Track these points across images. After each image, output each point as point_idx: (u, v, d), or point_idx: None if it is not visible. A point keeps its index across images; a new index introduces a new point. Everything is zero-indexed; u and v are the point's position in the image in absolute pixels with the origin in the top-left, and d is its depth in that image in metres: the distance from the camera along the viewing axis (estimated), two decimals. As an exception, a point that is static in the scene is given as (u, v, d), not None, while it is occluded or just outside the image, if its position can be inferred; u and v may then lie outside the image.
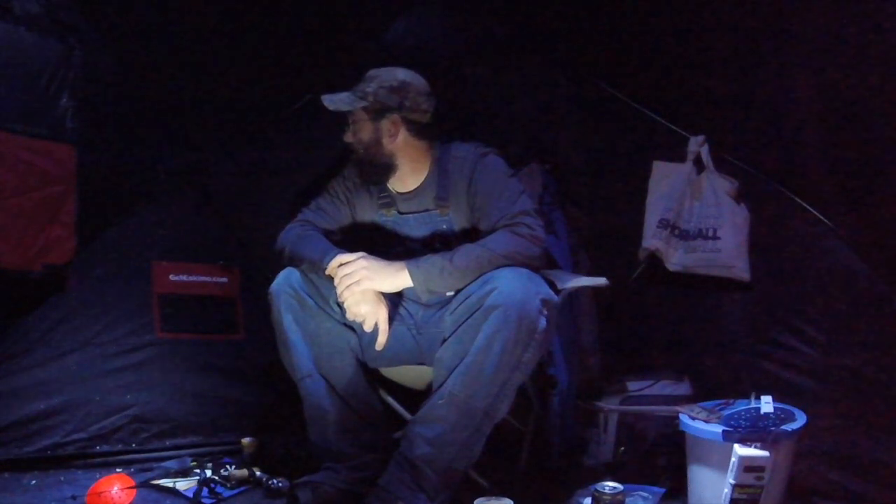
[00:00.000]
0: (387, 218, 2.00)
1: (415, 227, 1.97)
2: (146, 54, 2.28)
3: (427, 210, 1.95)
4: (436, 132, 1.98)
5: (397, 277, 1.76)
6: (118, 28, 2.24)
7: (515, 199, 1.84)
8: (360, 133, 1.93)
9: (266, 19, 2.36)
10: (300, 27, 2.42)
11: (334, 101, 1.92)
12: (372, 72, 1.95)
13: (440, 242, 1.94)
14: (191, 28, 2.32)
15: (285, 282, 1.86)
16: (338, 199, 2.04)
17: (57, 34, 2.05)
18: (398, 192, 1.99)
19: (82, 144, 2.11)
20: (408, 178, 1.97)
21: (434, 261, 1.75)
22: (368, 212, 2.03)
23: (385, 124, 1.91)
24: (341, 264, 1.77)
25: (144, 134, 2.31)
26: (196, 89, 2.37)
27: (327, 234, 1.98)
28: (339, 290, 1.76)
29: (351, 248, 1.82)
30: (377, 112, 1.90)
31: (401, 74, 1.93)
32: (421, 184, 1.96)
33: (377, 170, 1.94)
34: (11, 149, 1.97)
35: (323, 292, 1.86)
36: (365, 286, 1.75)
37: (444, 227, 1.94)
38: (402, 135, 1.92)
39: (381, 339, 1.79)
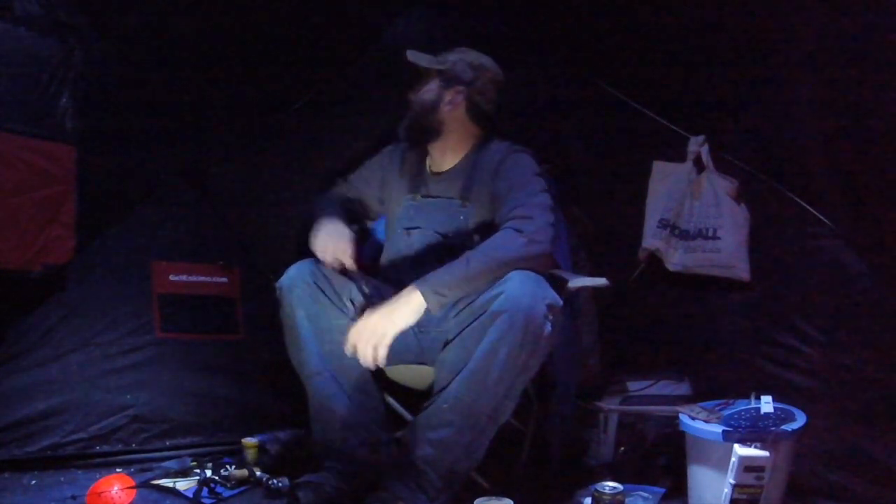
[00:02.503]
0: (412, 203, 2.01)
1: (433, 213, 1.98)
2: (146, 54, 2.28)
3: (450, 198, 1.97)
4: (489, 125, 2.03)
5: (415, 306, 1.69)
6: (118, 28, 2.24)
7: (535, 194, 1.85)
8: (425, 93, 1.99)
9: (266, 19, 2.36)
10: (300, 27, 2.42)
11: (417, 57, 2.00)
12: (462, 47, 2.05)
13: (454, 233, 1.95)
14: (191, 28, 2.32)
15: (298, 276, 1.85)
16: (370, 176, 2.10)
17: (57, 34, 2.05)
18: (432, 173, 2.03)
19: (82, 144, 2.11)
20: (447, 153, 2.01)
21: (442, 278, 1.70)
22: (396, 193, 2.06)
23: (450, 93, 1.98)
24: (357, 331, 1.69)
25: (144, 134, 2.31)
26: (196, 89, 2.37)
27: (351, 203, 2.08)
28: (367, 358, 1.67)
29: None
30: (448, 80, 1.98)
31: (485, 59, 2.02)
32: (454, 166, 2.00)
33: (423, 130, 1.99)
34: (11, 149, 1.97)
35: (336, 288, 1.87)
36: (391, 336, 1.67)
37: (461, 217, 1.95)
38: (460, 109, 1.98)
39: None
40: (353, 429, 1.87)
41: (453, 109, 1.97)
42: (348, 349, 1.69)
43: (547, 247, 1.76)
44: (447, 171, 2.00)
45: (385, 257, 2.08)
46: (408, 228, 2.00)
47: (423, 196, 2.00)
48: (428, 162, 2.03)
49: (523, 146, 2.00)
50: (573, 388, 2.23)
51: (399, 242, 2.02)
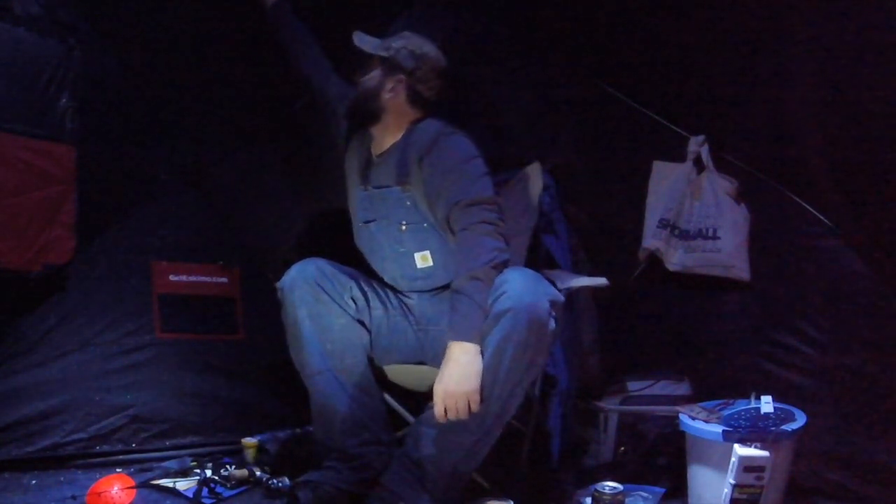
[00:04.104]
0: (364, 194, 2.01)
1: (382, 204, 1.97)
2: (146, 54, 2.28)
3: (389, 186, 1.95)
4: (430, 111, 2.01)
5: (473, 355, 1.64)
6: (118, 28, 2.24)
7: (473, 182, 1.81)
8: (368, 80, 1.99)
9: (266, 19, 2.36)
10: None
11: (362, 41, 2.00)
12: (406, 32, 2.03)
13: (407, 219, 1.94)
14: (191, 28, 2.32)
15: (299, 276, 1.86)
16: (340, 124, 2.13)
17: (57, 34, 2.05)
18: (375, 156, 2.02)
19: (82, 144, 2.11)
20: (385, 135, 2.00)
21: (468, 320, 1.66)
22: (350, 183, 2.07)
23: (391, 81, 1.97)
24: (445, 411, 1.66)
25: (144, 134, 2.31)
26: (196, 89, 2.37)
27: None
28: (464, 412, 1.64)
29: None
30: (391, 68, 1.97)
31: (428, 48, 2.00)
32: (389, 148, 1.99)
33: (364, 115, 2.00)
34: (11, 149, 1.97)
35: (338, 287, 1.87)
36: (477, 390, 1.63)
37: (408, 203, 1.93)
38: (401, 97, 1.97)
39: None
40: (355, 428, 1.87)
41: (394, 97, 1.97)
42: (441, 420, 1.64)
43: (503, 229, 1.76)
44: (384, 152, 2.00)
45: (358, 247, 2.09)
46: (366, 221, 2.01)
47: (373, 187, 2.00)
48: (371, 144, 2.04)
49: (455, 128, 1.94)
50: (573, 388, 2.23)
51: (363, 235, 2.04)
